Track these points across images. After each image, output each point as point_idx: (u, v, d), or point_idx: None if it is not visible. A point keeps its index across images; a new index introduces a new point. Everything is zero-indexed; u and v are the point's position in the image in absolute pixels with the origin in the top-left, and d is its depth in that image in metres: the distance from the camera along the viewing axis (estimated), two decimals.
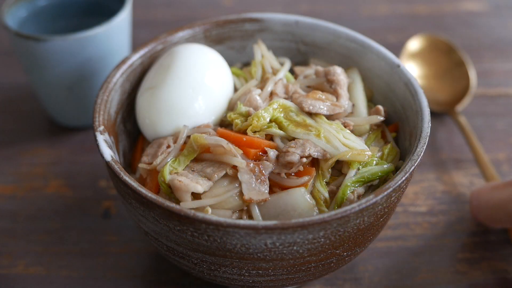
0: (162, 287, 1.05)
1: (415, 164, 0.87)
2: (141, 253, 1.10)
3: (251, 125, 0.94)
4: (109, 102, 0.99)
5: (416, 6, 1.78)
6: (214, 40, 1.15)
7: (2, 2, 1.28)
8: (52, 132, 1.36)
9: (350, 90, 1.05)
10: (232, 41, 1.16)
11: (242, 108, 0.97)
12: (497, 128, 1.36)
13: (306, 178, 0.91)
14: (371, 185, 0.94)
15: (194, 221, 0.80)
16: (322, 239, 0.82)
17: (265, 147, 0.92)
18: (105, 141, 0.92)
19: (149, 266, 1.08)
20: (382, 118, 1.00)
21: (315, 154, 0.91)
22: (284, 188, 0.91)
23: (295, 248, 0.82)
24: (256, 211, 0.89)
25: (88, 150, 1.31)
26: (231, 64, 1.14)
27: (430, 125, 0.93)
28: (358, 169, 0.92)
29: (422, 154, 0.88)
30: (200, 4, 1.80)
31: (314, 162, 0.94)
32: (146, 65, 1.08)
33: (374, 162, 0.93)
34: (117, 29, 1.25)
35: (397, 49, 1.49)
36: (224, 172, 0.91)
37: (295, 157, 0.90)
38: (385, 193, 0.83)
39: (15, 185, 1.23)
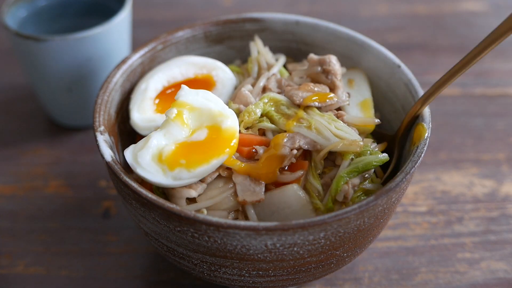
0: (162, 287, 1.05)
1: (416, 165, 0.87)
2: (141, 253, 1.10)
3: (242, 121, 0.93)
4: (109, 102, 0.99)
5: (416, 6, 1.78)
6: (214, 40, 1.15)
7: (2, 2, 1.28)
8: (52, 132, 1.36)
9: (358, 90, 1.05)
10: (232, 41, 1.16)
11: (233, 106, 0.97)
12: (497, 128, 1.36)
13: (300, 172, 0.90)
14: (367, 175, 0.93)
15: (194, 222, 0.80)
16: (323, 240, 0.82)
17: (254, 146, 0.91)
18: (105, 141, 0.92)
19: (149, 266, 1.08)
20: (378, 121, 0.99)
21: (305, 146, 0.91)
22: (278, 184, 0.90)
23: (295, 249, 0.82)
24: (251, 211, 0.89)
25: (88, 150, 1.31)
26: (231, 63, 1.14)
27: (430, 125, 0.93)
28: (352, 159, 0.91)
29: (422, 155, 0.88)
30: (200, 4, 1.79)
31: (307, 155, 0.93)
32: (146, 65, 1.08)
33: (368, 152, 0.92)
34: (117, 29, 1.25)
35: (397, 49, 1.49)
36: (217, 174, 0.91)
37: (285, 150, 0.89)
38: (386, 194, 0.83)
39: (15, 185, 1.23)
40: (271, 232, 0.79)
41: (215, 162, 0.88)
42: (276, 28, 1.14)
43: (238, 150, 0.92)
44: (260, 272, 0.86)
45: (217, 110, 0.91)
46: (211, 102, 0.92)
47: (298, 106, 0.96)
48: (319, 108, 0.97)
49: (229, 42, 1.16)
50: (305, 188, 0.91)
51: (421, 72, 1.49)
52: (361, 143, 0.91)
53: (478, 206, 1.19)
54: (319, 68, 1.02)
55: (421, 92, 0.98)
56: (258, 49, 1.10)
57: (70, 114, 1.34)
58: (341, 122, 0.95)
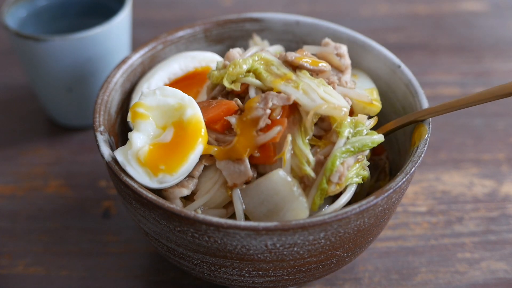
0: (162, 287, 1.05)
1: (416, 165, 0.87)
2: (141, 253, 1.10)
3: (226, 73, 0.92)
4: (109, 102, 0.99)
5: (416, 6, 1.78)
6: (214, 40, 1.15)
7: (2, 2, 1.28)
8: (52, 132, 1.36)
9: (363, 81, 1.05)
10: (232, 41, 1.16)
11: (219, 63, 0.96)
12: (497, 128, 1.37)
13: (277, 128, 0.87)
14: (360, 158, 0.91)
15: (194, 222, 0.80)
16: (323, 240, 0.82)
17: (224, 118, 0.89)
18: (105, 141, 0.92)
19: (149, 266, 1.08)
20: (371, 100, 0.96)
21: (279, 102, 0.88)
22: (260, 147, 0.87)
23: (295, 249, 0.82)
24: (236, 194, 0.87)
25: (88, 150, 1.31)
26: None
27: (430, 125, 0.93)
28: (348, 138, 0.89)
29: (423, 155, 0.88)
30: (200, 4, 1.79)
31: (295, 118, 0.90)
32: (146, 65, 1.08)
33: (364, 132, 0.90)
34: (117, 29, 1.25)
35: (397, 49, 1.49)
36: (203, 165, 0.90)
37: (258, 112, 0.87)
38: (386, 194, 0.83)
39: (15, 185, 1.23)
40: (271, 232, 0.79)
41: (192, 157, 0.87)
42: (276, 28, 1.14)
43: (211, 129, 0.90)
44: (260, 272, 0.86)
45: (175, 103, 0.89)
46: (169, 97, 0.90)
47: (290, 67, 0.94)
48: (310, 73, 0.94)
49: (229, 42, 1.16)
50: (294, 153, 0.88)
51: (421, 72, 1.49)
52: (345, 109, 0.88)
53: (478, 206, 1.19)
54: (335, 51, 1.01)
55: (421, 92, 0.98)
56: (256, 43, 1.10)
57: (70, 114, 1.34)
58: (331, 87, 0.92)
